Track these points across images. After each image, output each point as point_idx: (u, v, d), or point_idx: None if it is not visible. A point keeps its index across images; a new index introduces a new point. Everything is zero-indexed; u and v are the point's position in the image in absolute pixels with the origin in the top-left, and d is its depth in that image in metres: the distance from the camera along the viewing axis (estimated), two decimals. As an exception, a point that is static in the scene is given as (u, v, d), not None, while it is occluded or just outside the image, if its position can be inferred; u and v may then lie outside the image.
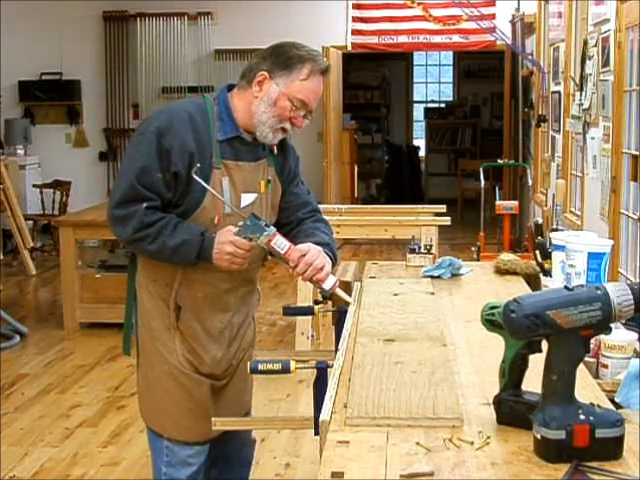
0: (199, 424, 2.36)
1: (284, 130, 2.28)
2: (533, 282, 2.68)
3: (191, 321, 2.35)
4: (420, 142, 14.01)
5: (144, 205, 2.21)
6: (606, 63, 4.88)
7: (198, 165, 2.19)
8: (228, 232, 2.21)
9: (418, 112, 14.08)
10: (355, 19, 8.88)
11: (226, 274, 2.32)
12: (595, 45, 5.16)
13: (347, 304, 2.40)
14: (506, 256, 2.88)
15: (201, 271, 2.30)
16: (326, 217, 2.59)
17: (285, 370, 2.15)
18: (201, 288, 2.33)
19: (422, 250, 2.95)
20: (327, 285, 2.23)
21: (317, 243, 2.29)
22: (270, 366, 2.15)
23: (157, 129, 2.20)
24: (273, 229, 2.20)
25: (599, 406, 1.41)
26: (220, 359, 2.42)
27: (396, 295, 2.48)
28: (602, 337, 1.86)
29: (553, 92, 6.97)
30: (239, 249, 2.21)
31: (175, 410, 2.39)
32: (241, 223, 2.19)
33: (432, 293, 2.51)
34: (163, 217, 2.24)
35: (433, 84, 14.39)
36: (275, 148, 2.38)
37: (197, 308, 2.35)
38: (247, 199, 2.33)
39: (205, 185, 2.20)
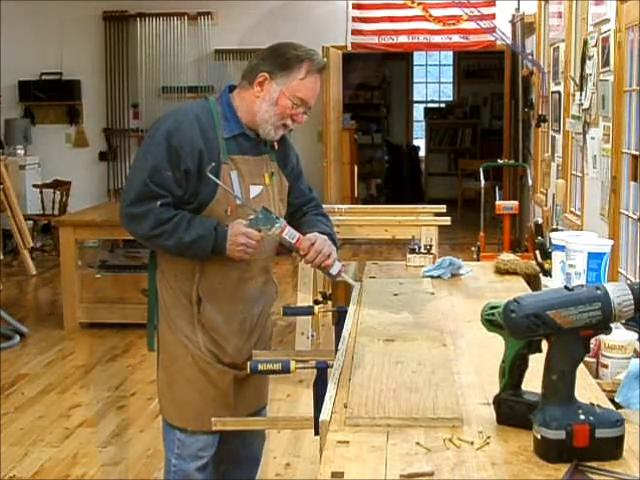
0: (221, 413, 2.42)
1: (285, 126, 2.39)
2: (533, 282, 2.68)
3: (212, 313, 2.43)
4: (420, 142, 14.00)
5: (158, 203, 2.30)
6: (606, 63, 4.88)
7: (213, 164, 2.28)
8: (239, 224, 2.32)
9: (418, 112, 14.08)
10: (355, 19, 8.87)
11: (243, 264, 2.42)
12: (595, 45, 5.16)
13: (352, 288, 2.54)
14: (506, 256, 2.88)
15: (218, 262, 2.39)
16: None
17: (285, 370, 2.15)
18: (220, 279, 2.43)
19: (422, 250, 2.95)
20: (334, 270, 2.38)
21: (321, 233, 2.42)
22: (270, 366, 2.16)
23: (166, 131, 2.32)
24: (283, 221, 2.33)
25: (599, 406, 1.41)
26: (241, 349, 2.49)
27: (396, 295, 2.48)
28: (602, 337, 1.86)
29: (553, 92, 6.97)
30: (251, 240, 2.32)
31: (199, 400, 2.47)
32: (252, 216, 2.30)
33: (432, 293, 2.51)
34: (177, 214, 2.33)
35: (433, 84, 14.38)
36: (276, 144, 2.51)
37: (218, 299, 2.43)
38: (255, 190, 2.43)
39: (220, 183, 2.30)
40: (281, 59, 2.36)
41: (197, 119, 2.34)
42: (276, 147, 2.52)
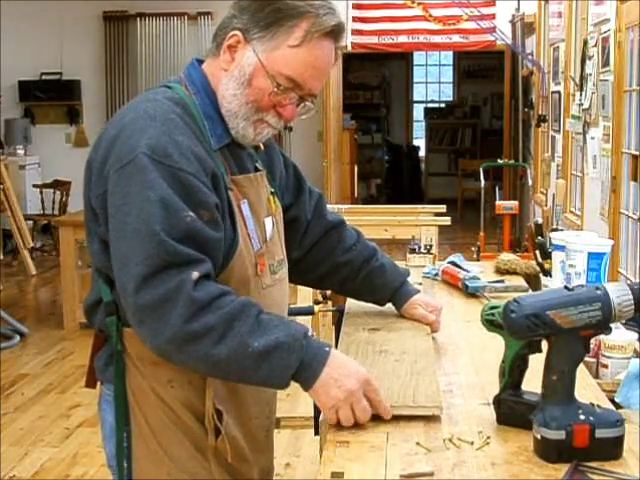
0: None
1: (268, 124, 1.59)
2: (533, 282, 2.68)
3: (232, 429, 1.59)
4: (420, 142, 14.02)
5: (194, 274, 1.39)
6: (606, 63, 4.88)
7: (229, 191, 1.58)
8: (352, 361, 1.52)
9: (418, 112, 14.09)
10: (355, 19, 8.87)
11: None
12: (595, 45, 5.16)
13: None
14: (506, 256, 2.88)
15: None
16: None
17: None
18: None
19: (422, 250, 2.95)
20: None
21: (387, 283, 1.93)
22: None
23: (150, 149, 1.43)
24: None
25: (599, 406, 1.41)
26: (269, 469, 1.80)
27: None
28: (602, 337, 1.86)
29: (553, 92, 6.97)
30: (372, 396, 1.45)
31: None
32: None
33: (420, 284, 2.47)
34: (233, 299, 1.42)
35: (433, 84, 14.39)
36: (261, 145, 1.72)
37: (239, 405, 1.62)
38: (268, 226, 1.67)
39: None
40: (266, 10, 1.51)
41: (184, 122, 1.50)
42: (262, 148, 1.74)
